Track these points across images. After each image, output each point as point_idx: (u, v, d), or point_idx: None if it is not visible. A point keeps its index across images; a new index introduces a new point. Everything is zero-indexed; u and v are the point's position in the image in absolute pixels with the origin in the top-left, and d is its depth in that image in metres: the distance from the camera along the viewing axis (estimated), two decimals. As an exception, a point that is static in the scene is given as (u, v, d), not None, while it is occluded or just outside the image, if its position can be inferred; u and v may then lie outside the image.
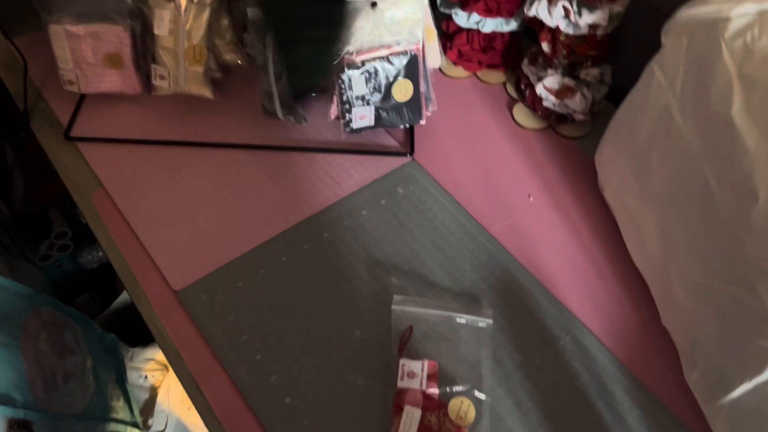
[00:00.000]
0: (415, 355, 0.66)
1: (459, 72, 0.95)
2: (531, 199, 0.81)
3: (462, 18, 0.87)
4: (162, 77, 0.81)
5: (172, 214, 0.77)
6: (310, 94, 0.78)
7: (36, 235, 1.17)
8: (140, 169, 0.81)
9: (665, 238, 0.66)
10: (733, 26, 0.57)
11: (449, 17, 0.90)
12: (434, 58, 0.83)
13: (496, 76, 0.94)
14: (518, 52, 0.94)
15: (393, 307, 0.69)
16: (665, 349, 0.67)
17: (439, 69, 0.94)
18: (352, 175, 0.83)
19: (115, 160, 0.82)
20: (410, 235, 0.76)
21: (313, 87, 0.80)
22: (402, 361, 0.64)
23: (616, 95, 0.86)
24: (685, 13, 0.62)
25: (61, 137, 0.84)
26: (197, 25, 0.78)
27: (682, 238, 0.63)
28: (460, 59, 0.93)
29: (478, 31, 0.88)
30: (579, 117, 0.84)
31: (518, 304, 0.72)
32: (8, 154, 1.10)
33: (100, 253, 1.26)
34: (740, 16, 0.56)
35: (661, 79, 0.65)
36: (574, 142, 0.87)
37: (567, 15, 0.75)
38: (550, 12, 0.76)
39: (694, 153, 0.60)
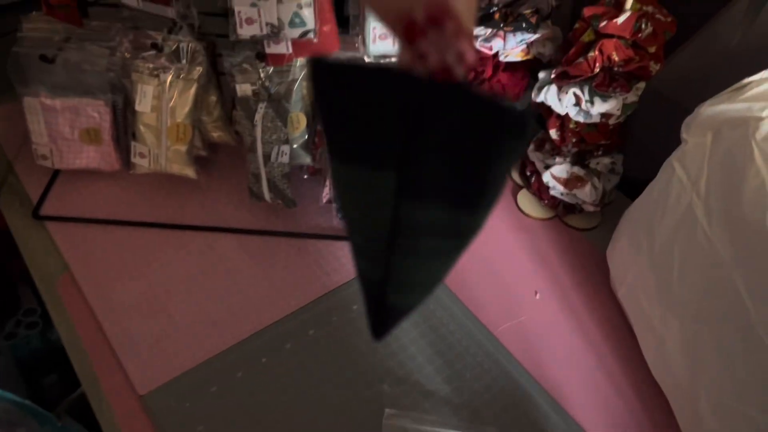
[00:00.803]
0: (408, 483, 0.58)
1: (460, 155, 0.90)
2: (538, 296, 0.74)
3: (464, 100, 0.83)
4: (142, 155, 0.75)
5: (144, 305, 0.70)
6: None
7: (2, 311, 1.09)
8: (113, 253, 0.75)
9: (692, 353, 0.59)
10: (766, 127, 0.52)
11: (451, 98, 0.85)
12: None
13: (499, 161, 0.89)
14: (523, 136, 0.89)
15: (384, 422, 0.61)
16: (693, 479, 0.59)
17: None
18: (344, 264, 0.76)
19: (86, 242, 0.75)
20: (406, 336, 0.69)
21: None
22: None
23: (627, 185, 0.81)
24: (709, 110, 0.57)
25: (29, 216, 0.77)
26: (182, 101, 0.73)
27: (712, 355, 0.56)
28: (461, 141, 0.89)
29: (481, 113, 0.84)
30: (589, 208, 0.78)
31: (524, 418, 0.64)
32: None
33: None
34: (773, 115, 0.52)
35: (682, 176, 0.60)
36: (583, 234, 0.81)
37: (578, 103, 0.71)
38: (560, 99, 0.72)
39: (724, 261, 0.54)
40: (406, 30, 0.29)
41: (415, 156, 0.31)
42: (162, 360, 0.66)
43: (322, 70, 0.30)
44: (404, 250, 0.37)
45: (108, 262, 0.74)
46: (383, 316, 0.42)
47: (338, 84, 0.31)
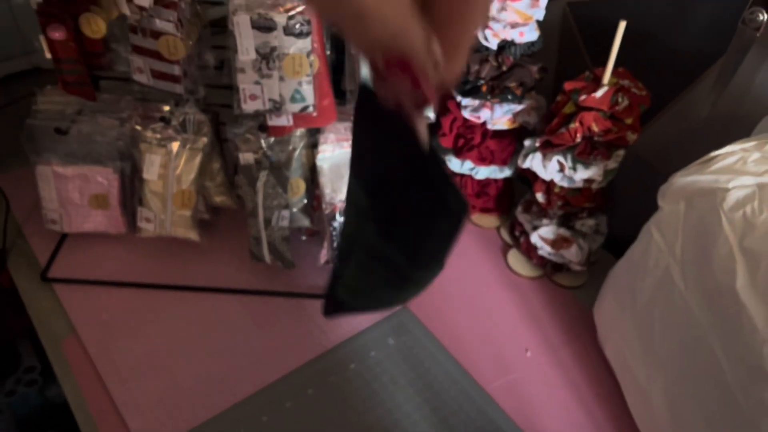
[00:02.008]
0: None
1: (452, 215, 0.93)
2: (528, 353, 0.77)
3: (456, 165, 0.87)
4: (148, 220, 0.79)
5: (147, 365, 0.72)
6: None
7: (3, 369, 1.10)
8: (118, 314, 0.77)
9: (675, 410, 0.62)
10: (732, 197, 0.56)
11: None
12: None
13: (489, 221, 0.93)
14: (512, 197, 0.93)
15: (382, 480, 0.63)
16: None
17: (432, 212, 0.93)
18: (341, 323, 0.79)
19: (92, 303, 0.78)
20: (402, 394, 0.72)
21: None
22: None
23: (612, 244, 0.85)
24: (681, 180, 0.61)
25: (37, 278, 0.80)
26: (188, 169, 0.77)
27: (694, 412, 0.59)
28: (452, 203, 0.93)
29: (472, 177, 0.88)
30: (575, 267, 0.82)
31: (518, 475, 0.66)
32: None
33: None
34: (739, 187, 0.56)
35: (660, 241, 0.64)
36: (571, 292, 0.84)
37: (562, 169, 0.75)
38: (544, 166, 0.76)
39: (700, 322, 0.58)
40: (372, 67, 0.31)
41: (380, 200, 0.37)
42: (165, 419, 0.68)
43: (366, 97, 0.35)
44: (362, 263, 0.43)
45: (113, 322, 0.76)
46: (330, 302, 0.48)
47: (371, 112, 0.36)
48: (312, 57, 0.66)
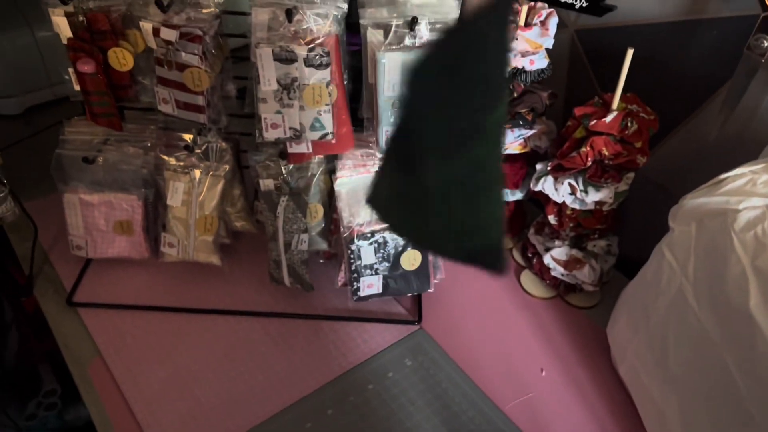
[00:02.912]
0: None
1: (465, 237, 0.95)
2: (543, 373, 0.78)
3: (468, 188, 0.89)
4: (171, 245, 0.81)
5: (172, 388, 0.74)
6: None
7: (24, 392, 1.12)
8: (142, 337, 0.79)
9: (690, 428, 0.63)
10: (743, 218, 0.57)
11: (455, 185, 0.92)
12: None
13: (502, 242, 0.95)
14: (524, 219, 0.95)
15: (403, 499, 0.64)
16: None
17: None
18: (359, 344, 0.80)
19: (116, 327, 0.80)
20: (420, 414, 0.73)
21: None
22: None
23: (624, 265, 0.86)
24: (691, 201, 0.63)
25: (63, 303, 0.82)
26: (210, 196, 0.79)
27: (709, 429, 0.60)
28: (466, 225, 0.95)
29: (484, 199, 0.90)
30: (588, 288, 0.83)
31: (536, 494, 0.67)
32: (6, 312, 1.08)
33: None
34: (749, 208, 0.57)
35: (672, 261, 0.65)
36: (584, 312, 0.86)
37: (573, 192, 0.77)
38: (556, 188, 0.78)
39: (713, 340, 0.59)
40: None
41: None
42: (189, 441, 0.69)
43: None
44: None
45: (137, 346, 0.78)
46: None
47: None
48: (331, 87, 0.69)
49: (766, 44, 0.65)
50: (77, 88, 0.74)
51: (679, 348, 0.64)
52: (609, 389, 0.76)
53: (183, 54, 0.69)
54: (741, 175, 0.60)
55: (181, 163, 0.78)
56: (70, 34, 0.70)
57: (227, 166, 0.79)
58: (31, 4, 1.07)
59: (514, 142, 0.83)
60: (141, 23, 0.70)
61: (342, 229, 0.77)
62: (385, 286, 0.80)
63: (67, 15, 0.70)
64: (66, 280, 0.85)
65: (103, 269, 0.86)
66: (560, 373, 0.78)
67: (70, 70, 0.74)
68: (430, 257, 0.80)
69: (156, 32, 0.69)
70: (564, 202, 0.79)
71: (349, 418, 0.72)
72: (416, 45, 0.68)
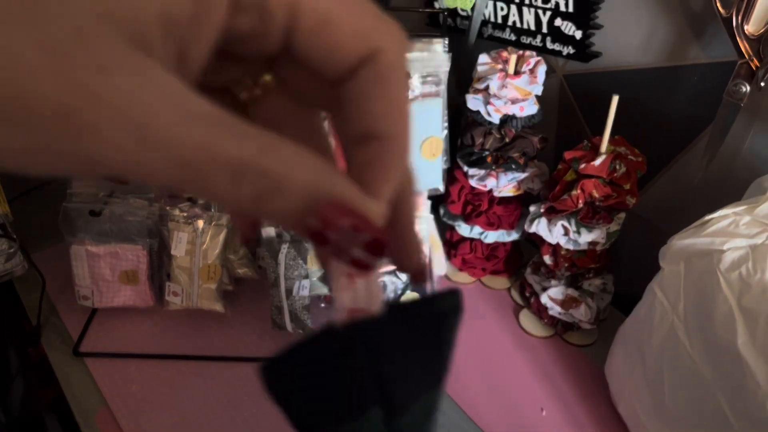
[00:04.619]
0: None
1: (464, 278, 0.97)
2: (544, 412, 0.79)
3: (465, 230, 0.92)
4: (175, 293, 0.83)
5: (176, 436, 0.75)
6: None
7: (30, 442, 1.12)
8: (147, 386, 0.80)
9: (689, 467, 0.64)
10: (728, 258, 0.59)
11: (453, 227, 0.94)
12: (439, 265, 0.86)
13: (500, 282, 0.97)
14: (520, 259, 0.97)
15: None
16: None
17: (445, 275, 0.97)
18: (361, 388, 0.81)
19: (122, 376, 0.81)
20: (422, 457, 0.74)
21: None
22: None
23: (621, 302, 0.88)
24: (679, 242, 0.65)
25: (69, 353, 0.84)
26: (213, 245, 0.81)
27: (706, 468, 0.61)
28: (464, 266, 0.97)
29: (481, 240, 0.92)
30: (585, 326, 0.85)
31: None
32: (12, 361, 1.09)
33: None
34: (733, 249, 0.59)
35: (663, 300, 0.67)
36: (582, 350, 0.87)
37: (566, 233, 0.79)
38: (550, 230, 0.80)
39: (705, 378, 0.60)
40: (309, 236, 0.23)
41: (391, 379, 0.28)
42: (194, 490, 0.70)
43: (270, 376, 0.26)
44: None
45: (143, 394, 0.79)
46: None
47: (294, 378, 0.26)
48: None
49: (743, 89, 0.68)
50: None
51: (674, 386, 0.66)
52: (609, 427, 0.77)
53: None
54: (724, 216, 0.63)
55: (185, 214, 0.81)
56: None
57: (229, 215, 0.82)
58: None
59: (507, 185, 0.85)
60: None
61: (342, 275, 0.79)
62: (386, 329, 0.81)
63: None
64: (72, 329, 0.87)
65: (108, 318, 0.88)
66: (561, 412, 0.79)
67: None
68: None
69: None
70: (558, 243, 0.81)
71: (353, 462, 0.73)
72: (410, 98, 0.70)
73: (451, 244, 0.97)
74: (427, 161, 0.74)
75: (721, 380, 0.59)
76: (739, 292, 0.57)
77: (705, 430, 0.61)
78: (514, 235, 0.91)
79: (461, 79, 0.99)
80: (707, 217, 0.64)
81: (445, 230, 0.97)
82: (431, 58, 0.72)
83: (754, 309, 0.56)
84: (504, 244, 0.94)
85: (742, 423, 0.56)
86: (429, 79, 0.72)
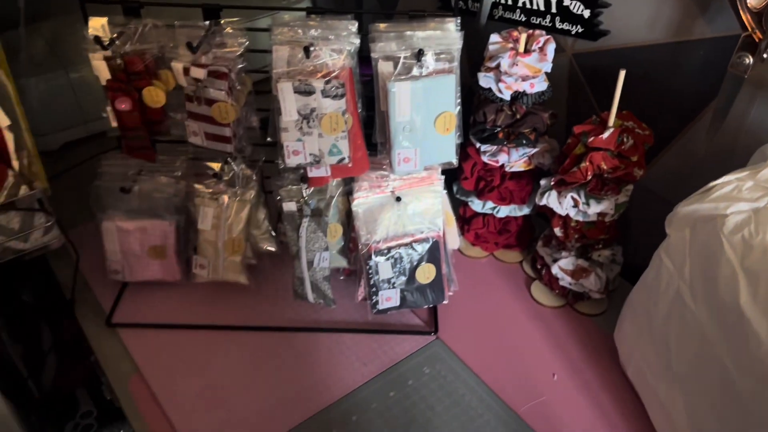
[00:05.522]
0: None
1: (477, 252, 1.00)
2: (555, 377, 0.82)
3: (478, 205, 0.95)
4: (202, 266, 0.87)
5: (206, 401, 0.79)
6: None
7: (62, 415, 1.18)
8: (176, 353, 0.85)
9: (696, 425, 0.67)
10: (731, 222, 0.62)
11: (466, 203, 0.97)
12: (453, 240, 0.89)
13: (512, 256, 1.00)
14: (532, 233, 1.00)
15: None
16: None
17: (459, 250, 1.00)
18: (379, 355, 0.85)
19: (152, 345, 0.86)
20: (438, 419, 0.77)
21: None
22: None
23: (629, 272, 0.91)
24: (684, 209, 0.68)
25: (102, 324, 0.88)
26: (238, 219, 0.85)
27: (714, 425, 0.64)
28: (477, 240, 1.00)
29: (493, 215, 0.95)
30: (595, 295, 0.88)
31: (552, 490, 0.71)
32: (45, 338, 1.14)
33: (123, 432, 1.25)
34: (736, 213, 0.62)
35: (669, 266, 0.70)
36: (592, 320, 0.90)
37: (576, 205, 0.82)
38: (560, 202, 0.83)
39: (710, 339, 0.63)
40: None
41: None
42: (224, 449, 0.74)
43: None
44: None
45: (173, 362, 0.84)
46: None
47: None
48: (346, 115, 0.75)
49: (747, 62, 0.70)
50: (114, 124, 0.81)
51: (681, 348, 0.68)
52: (618, 391, 0.80)
53: (211, 90, 0.76)
54: (728, 182, 0.65)
55: (210, 190, 0.85)
56: (109, 76, 0.77)
57: (252, 192, 0.85)
58: (65, 48, 1.16)
59: (518, 160, 0.88)
60: (172, 63, 0.76)
61: (360, 247, 0.82)
62: (403, 299, 0.85)
63: (106, 59, 0.77)
64: (105, 302, 0.91)
65: (138, 292, 0.92)
66: (571, 377, 0.82)
67: (108, 108, 0.80)
68: (444, 271, 0.85)
69: (186, 71, 0.76)
70: (568, 215, 0.84)
71: (373, 424, 0.77)
72: (423, 74, 0.74)
73: (465, 219, 1.00)
74: (441, 136, 0.77)
75: (725, 339, 0.61)
76: (741, 254, 0.60)
77: (709, 388, 0.64)
78: (525, 210, 0.94)
79: (473, 60, 1.02)
80: (712, 184, 0.66)
81: (459, 206, 1.00)
82: (444, 36, 0.74)
83: (756, 269, 0.59)
84: (516, 218, 0.97)
85: (746, 378, 0.59)
86: (442, 56, 0.75)
